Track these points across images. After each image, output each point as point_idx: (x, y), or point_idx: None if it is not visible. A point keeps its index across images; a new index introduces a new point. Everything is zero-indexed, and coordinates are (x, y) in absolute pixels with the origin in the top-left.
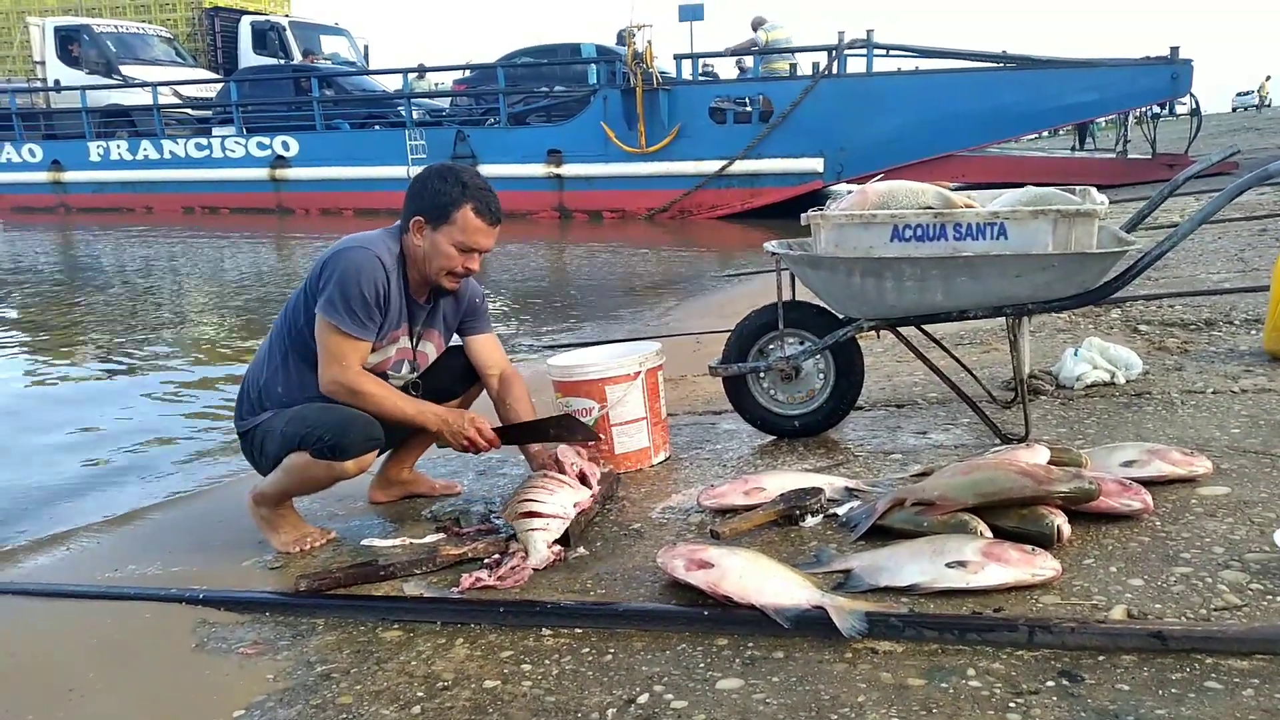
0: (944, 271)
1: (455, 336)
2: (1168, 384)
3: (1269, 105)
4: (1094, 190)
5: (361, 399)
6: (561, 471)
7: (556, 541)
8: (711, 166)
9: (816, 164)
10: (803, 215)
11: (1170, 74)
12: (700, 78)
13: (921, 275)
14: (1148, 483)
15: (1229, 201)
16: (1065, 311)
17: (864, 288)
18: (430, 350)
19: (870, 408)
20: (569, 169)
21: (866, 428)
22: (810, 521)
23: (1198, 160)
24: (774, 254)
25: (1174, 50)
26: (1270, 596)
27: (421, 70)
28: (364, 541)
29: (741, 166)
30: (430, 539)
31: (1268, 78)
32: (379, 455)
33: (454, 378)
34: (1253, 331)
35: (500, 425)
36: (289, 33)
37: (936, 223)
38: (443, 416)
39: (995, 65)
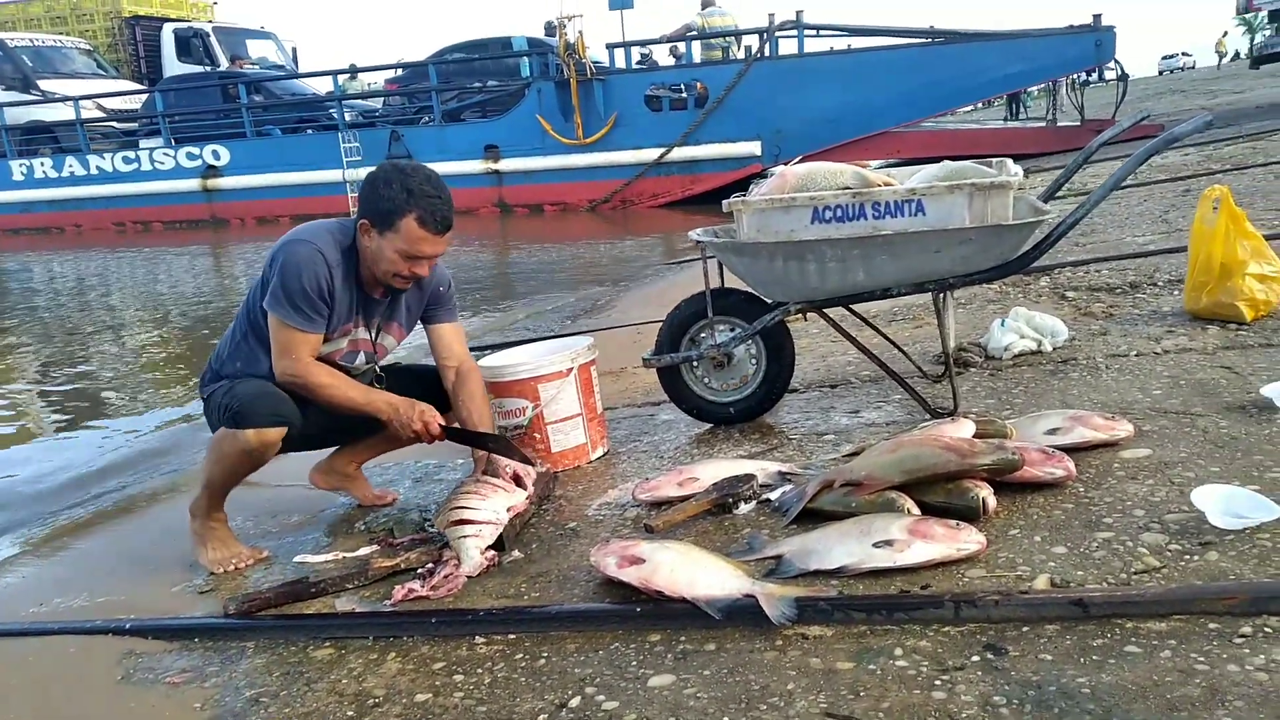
0: (864, 251)
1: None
2: (1093, 349)
3: (1229, 60)
4: (1009, 162)
5: (313, 391)
6: (495, 475)
7: (490, 547)
8: (650, 155)
9: (754, 147)
10: (724, 202)
11: (1094, 41)
12: (637, 66)
13: (843, 256)
14: (1071, 449)
15: (1138, 167)
16: (988, 283)
17: (788, 271)
18: (390, 342)
19: (805, 389)
20: (507, 164)
21: (801, 410)
22: (744, 509)
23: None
24: (699, 242)
25: (1097, 18)
26: (1188, 556)
27: (354, 70)
28: (296, 558)
29: (680, 153)
30: (364, 551)
31: (1224, 34)
32: (335, 450)
33: (424, 393)
34: (1175, 293)
35: (447, 425)
36: (213, 39)
37: (855, 203)
38: (394, 405)
39: (924, 41)
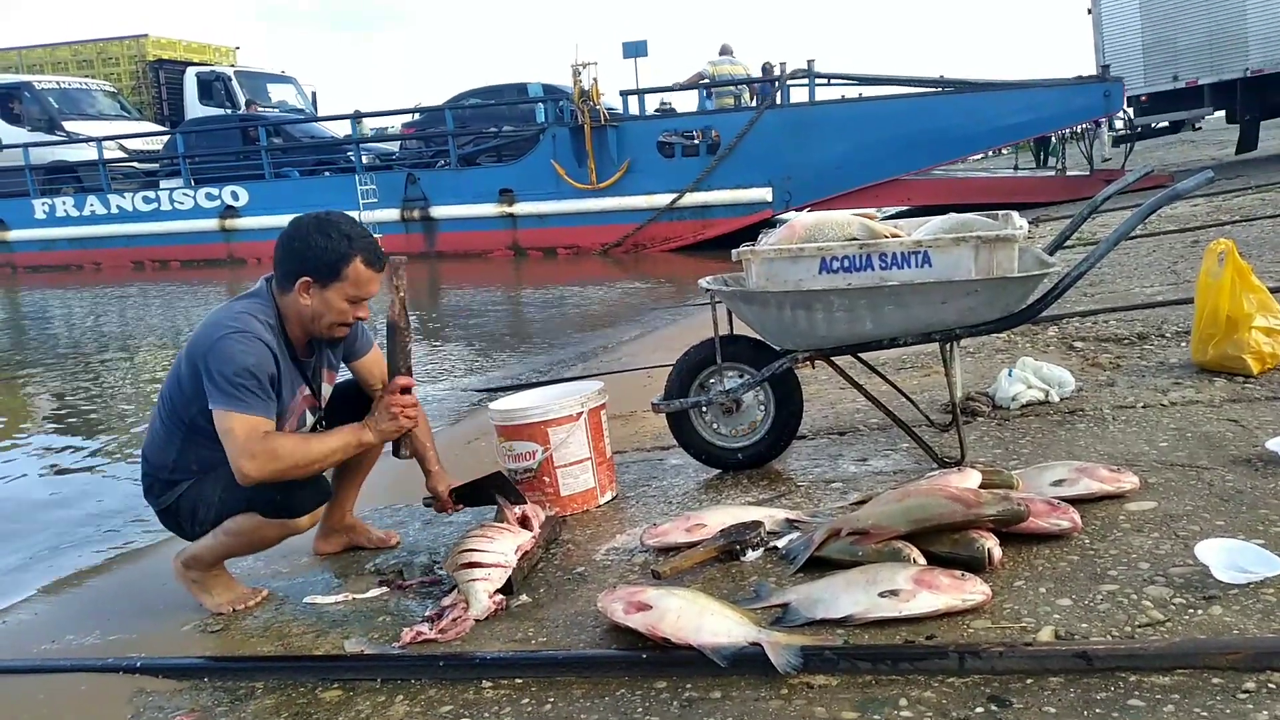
0: (872, 301)
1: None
2: (1100, 400)
3: None
4: (1015, 215)
5: (289, 472)
6: (503, 519)
7: (499, 590)
8: (662, 200)
9: (765, 193)
10: (733, 251)
11: (1103, 92)
12: (653, 113)
13: (850, 305)
14: (1077, 501)
15: (1142, 221)
16: (994, 334)
17: (796, 320)
18: (327, 389)
19: (813, 436)
20: (521, 207)
21: (809, 456)
22: (751, 556)
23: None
24: (708, 290)
25: (1105, 69)
26: (1192, 610)
27: (357, 116)
28: (307, 599)
29: (692, 199)
30: (374, 593)
31: None
32: None
33: (352, 410)
34: (1182, 344)
35: (455, 486)
36: (235, 82)
37: (862, 253)
38: (372, 426)
39: (933, 90)
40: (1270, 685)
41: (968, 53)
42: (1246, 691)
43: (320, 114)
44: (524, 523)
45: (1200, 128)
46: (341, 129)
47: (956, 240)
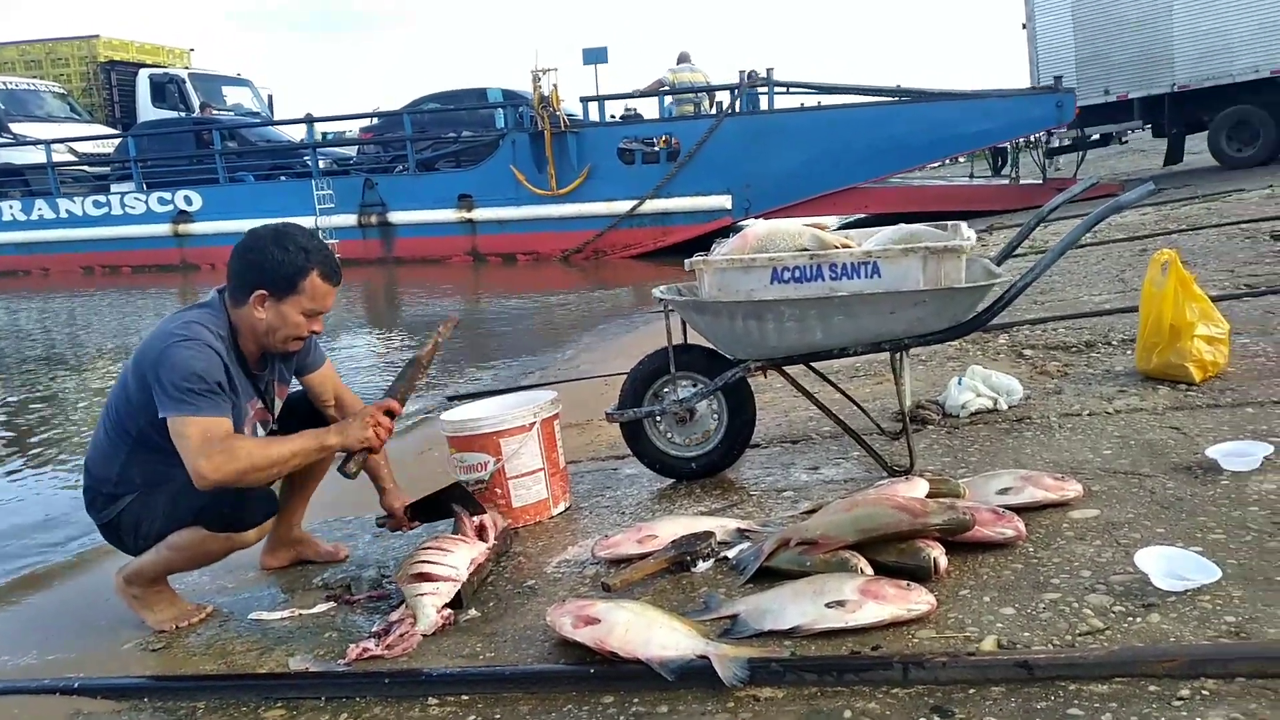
0: (822, 311)
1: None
2: (1047, 408)
3: None
4: (964, 225)
5: (247, 474)
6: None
7: (448, 605)
8: (622, 206)
9: (725, 201)
10: (686, 261)
11: (1055, 102)
12: (615, 119)
13: (801, 316)
14: (1022, 509)
15: (1088, 231)
16: (942, 344)
17: (747, 330)
18: (279, 404)
19: (767, 445)
20: (480, 213)
21: (762, 465)
22: (701, 566)
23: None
24: (662, 300)
25: (1058, 79)
26: (1131, 618)
27: (310, 120)
28: (252, 615)
29: (652, 206)
30: (320, 608)
31: None
32: None
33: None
34: (1128, 352)
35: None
36: (189, 85)
37: (813, 264)
38: (340, 431)
39: (891, 99)
40: (1204, 692)
41: (912, 66)
42: (1181, 699)
43: (278, 117)
44: (481, 533)
45: (1126, 141)
46: (300, 133)
47: (905, 251)
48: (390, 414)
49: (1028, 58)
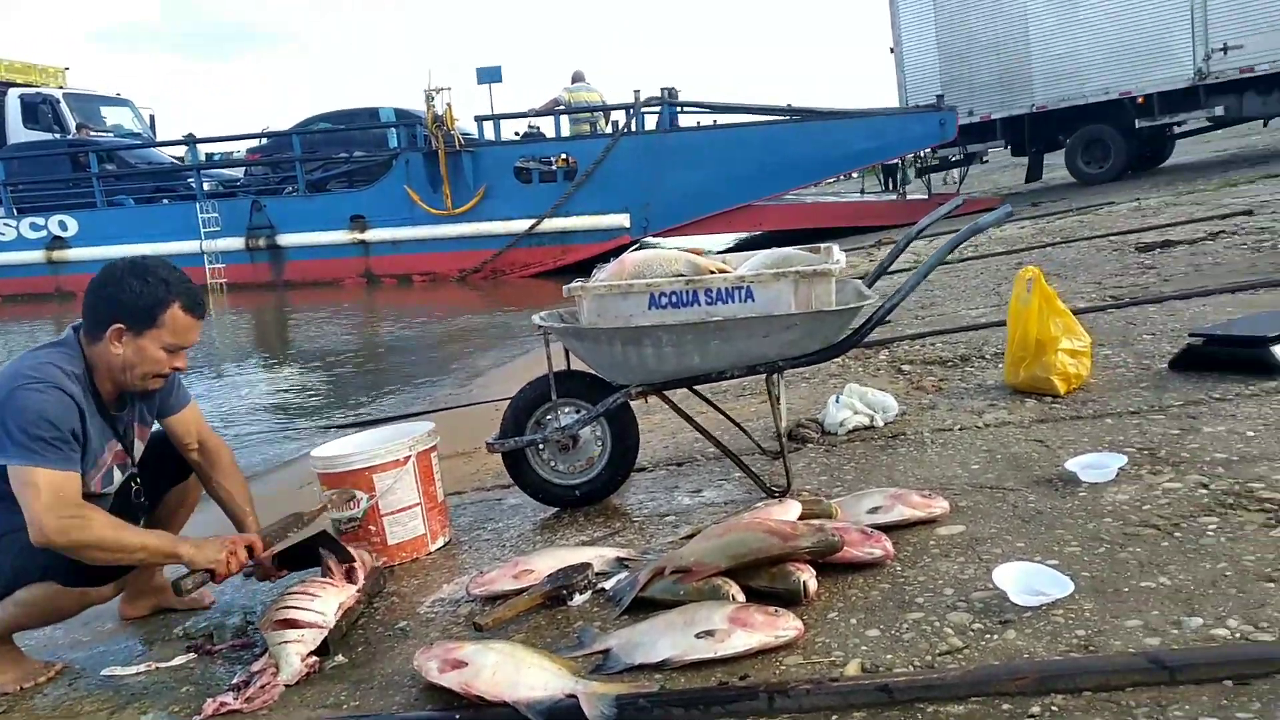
0: (698, 336)
1: None
2: (921, 424)
3: None
4: (836, 248)
5: (89, 550)
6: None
7: (313, 651)
8: (520, 226)
9: (623, 219)
10: (564, 287)
11: (938, 120)
12: (511, 138)
13: (678, 340)
14: (892, 527)
15: (946, 256)
16: (815, 365)
17: (627, 355)
18: (139, 446)
19: (653, 468)
20: (374, 234)
21: (646, 490)
22: (578, 599)
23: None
24: (541, 326)
25: (940, 98)
26: (989, 636)
27: (192, 141)
28: (105, 671)
29: (550, 224)
30: (179, 660)
31: None
32: None
33: (166, 471)
34: (999, 365)
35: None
36: (63, 105)
37: (689, 289)
38: (198, 548)
39: (783, 118)
40: (1053, 709)
41: (794, 87)
42: (1031, 716)
43: (162, 139)
44: (350, 575)
45: (987, 160)
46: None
47: (776, 275)
48: (251, 551)
49: (896, 80)
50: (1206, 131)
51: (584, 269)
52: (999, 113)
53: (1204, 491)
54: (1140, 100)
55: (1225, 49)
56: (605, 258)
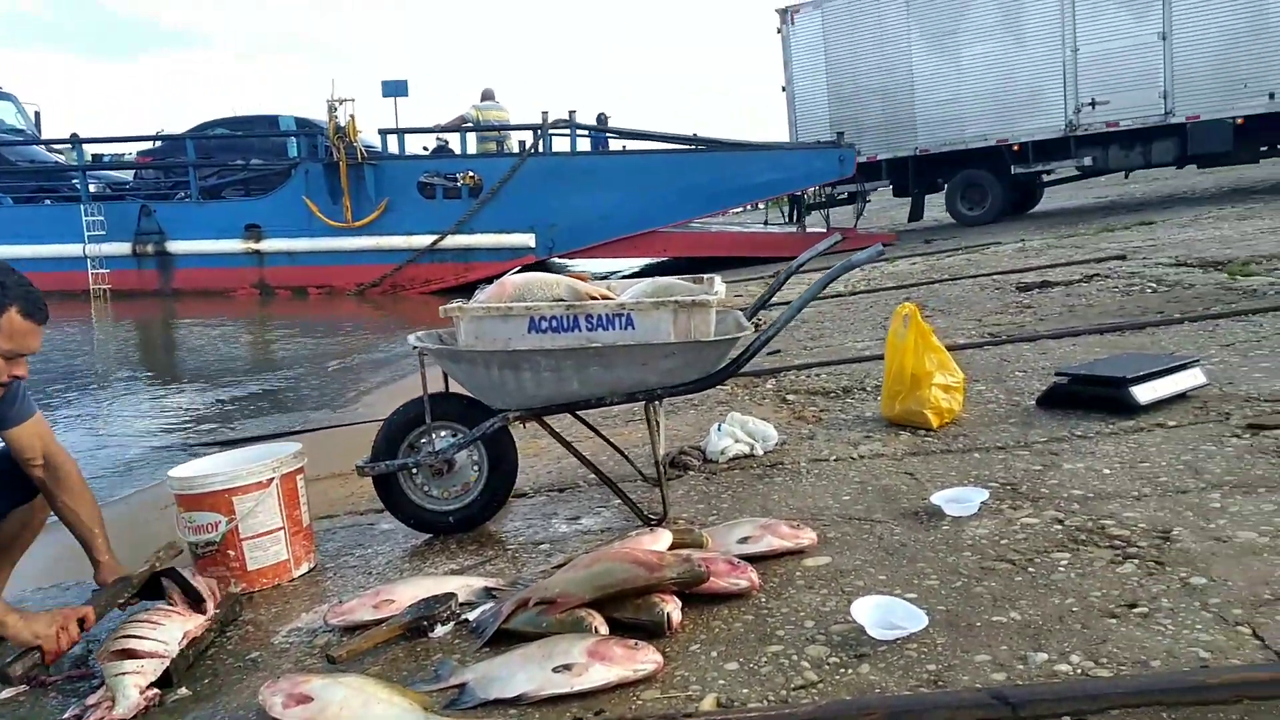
0: (578, 362)
1: None
2: (799, 453)
3: None
4: (717, 279)
5: None
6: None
7: (154, 684)
8: (422, 241)
9: (528, 239)
10: (441, 308)
11: (838, 157)
12: (417, 153)
13: (557, 366)
14: (761, 558)
15: (823, 289)
16: (693, 394)
17: (504, 379)
18: None
19: (533, 493)
20: (269, 244)
21: (524, 516)
22: (440, 631)
23: (862, 234)
24: (416, 347)
25: (840, 135)
26: (844, 670)
27: (77, 141)
28: None
29: (453, 241)
30: (9, 694)
31: None
32: None
33: (8, 490)
34: (879, 398)
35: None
36: None
37: (569, 314)
38: (30, 629)
39: (687, 148)
40: None
41: (690, 120)
42: None
43: (47, 137)
44: (198, 604)
45: (870, 200)
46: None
47: (656, 304)
48: (83, 623)
49: (787, 119)
50: (1074, 180)
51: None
52: (884, 154)
53: (1059, 527)
54: (1016, 148)
55: (1093, 103)
56: None
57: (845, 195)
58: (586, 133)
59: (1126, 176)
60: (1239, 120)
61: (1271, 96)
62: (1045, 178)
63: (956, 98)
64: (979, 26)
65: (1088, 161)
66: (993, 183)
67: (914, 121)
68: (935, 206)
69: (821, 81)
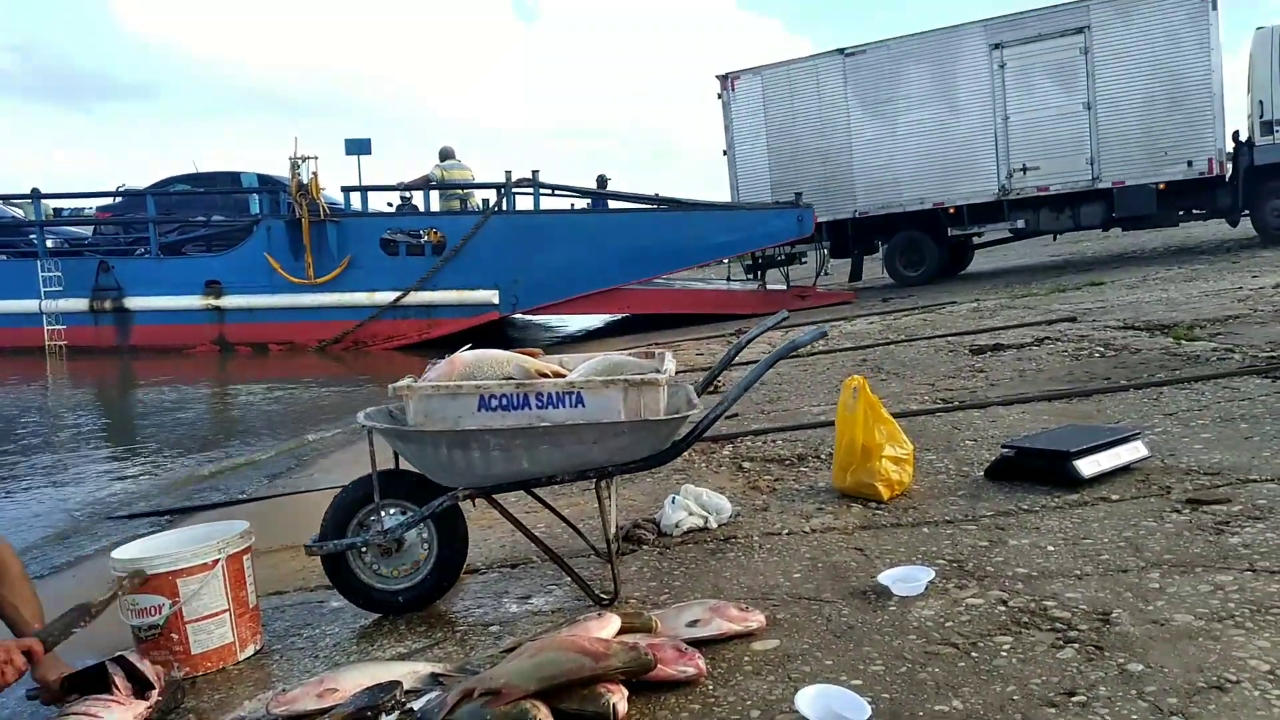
0: (528, 440)
1: None
2: (753, 526)
3: None
4: (669, 355)
5: None
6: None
7: None
8: (385, 298)
9: (492, 296)
10: (390, 386)
11: (797, 217)
12: (390, 208)
13: (506, 445)
14: (709, 641)
15: (764, 373)
16: (643, 471)
17: (454, 459)
18: None
19: (486, 569)
20: (230, 300)
21: (475, 595)
22: None
23: (814, 295)
24: (364, 426)
25: (798, 195)
26: None
27: (36, 196)
28: None
29: (416, 298)
30: None
31: None
32: None
33: None
34: (832, 467)
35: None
36: None
37: (520, 392)
38: None
39: (649, 207)
40: None
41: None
42: None
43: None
44: (140, 691)
45: (805, 261)
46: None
47: (606, 383)
48: (30, 655)
49: (728, 182)
50: (1005, 242)
51: (452, 343)
52: (824, 216)
53: (1003, 609)
54: (952, 210)
55: (1025, 169)
56: (473, 333)
57: (783, 257)
58: (550, 191)
59: (1055, 239)
60: (1161, 185)
61: (1189, 164)
62: (975, 240)
63: (893, 162)
64: (914, 95)
65: (1020, 224)
66: (929, 244)
67: (853, 185)
68: (872, 268)
69: (761, 145)
